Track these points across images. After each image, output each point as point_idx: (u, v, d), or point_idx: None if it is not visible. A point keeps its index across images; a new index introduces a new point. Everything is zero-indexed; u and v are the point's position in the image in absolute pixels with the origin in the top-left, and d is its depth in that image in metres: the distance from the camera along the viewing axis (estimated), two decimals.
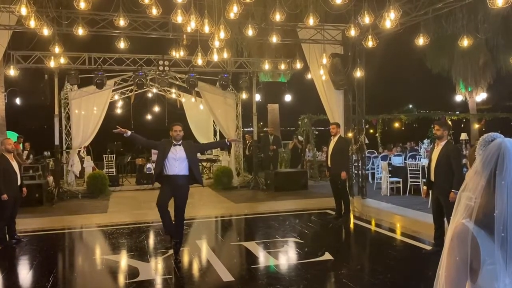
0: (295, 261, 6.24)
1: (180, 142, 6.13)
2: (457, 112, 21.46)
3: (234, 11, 6.97)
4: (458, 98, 21.67)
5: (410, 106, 27.82)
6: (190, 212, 7.86)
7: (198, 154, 7.00)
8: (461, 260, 1.47)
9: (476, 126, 20.49)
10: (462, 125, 20.73)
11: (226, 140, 7.47)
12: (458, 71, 19.61)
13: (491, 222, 1.46)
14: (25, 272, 6.04)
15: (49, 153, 13.92)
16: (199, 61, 9.50)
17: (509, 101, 25.83)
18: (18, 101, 15.27)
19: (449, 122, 16.61)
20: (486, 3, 6.96)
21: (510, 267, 1.45)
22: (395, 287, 5.17)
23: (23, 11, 7.22)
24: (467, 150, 13.44)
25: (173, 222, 6.35)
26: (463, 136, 16.72)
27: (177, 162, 6.03)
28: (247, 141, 15.49)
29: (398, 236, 7.63)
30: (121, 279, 5.60)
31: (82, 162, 13.75)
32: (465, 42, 9.59)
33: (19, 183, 7.25)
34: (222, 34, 7.55)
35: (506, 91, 22.55)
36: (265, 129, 21.50)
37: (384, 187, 11.57)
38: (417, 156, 13.13)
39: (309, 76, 12.59)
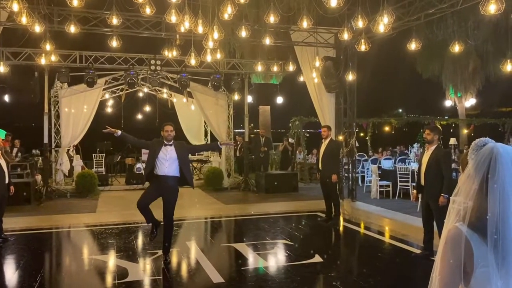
0: (285, 263, 6.25)
1: (171, 143, 6.04)
2: (446, 117, 21.69)
3: (228, 12, 6.96)
4: (448, 103, 21.91)
5: (400, 110, 28.05)
6: (180, 213, 7.82)
7: (189, 155, 6.91)
8: (454, 263, 1.49)
9: (465, 131, 20.73)
10: (451, 130, 20.95)
11: (218, 143, 7.41)
12: (448, 76, 19.83)
13: (484, 225, 1.48)
14: (12, 272, 5.95)
15: (37, 151, 13.77)
16: (192, 61, 9.48)
17: (498, 107, 26.17)
18: (7, 98, 15.08)
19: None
20: (477, 10, 7.04)
21: (502, 270, 1.47)
22: None
23: (15, 7, 7.14)
24: (456, 155, 13.57)
25: (162, 223, 6.29)
26: (452, 141, 16.89)
27: (167, 163, 5.95)
28: (238, 143, 15.49)
29: (387, 239, 7.67)
30: (110, 280, 5.54)
31: (71, 161, 13.63)
32: (455, 48, 9.71)
33: (6, 181, 7.16)
34: (216, 35, 7.54)
35: (494, 97, 22.86)
36: (256, 130, 21.51)
37: (374, 191, 11.65)
38: (406, 160, 13.23)
39: (301, 78, 12.62)
